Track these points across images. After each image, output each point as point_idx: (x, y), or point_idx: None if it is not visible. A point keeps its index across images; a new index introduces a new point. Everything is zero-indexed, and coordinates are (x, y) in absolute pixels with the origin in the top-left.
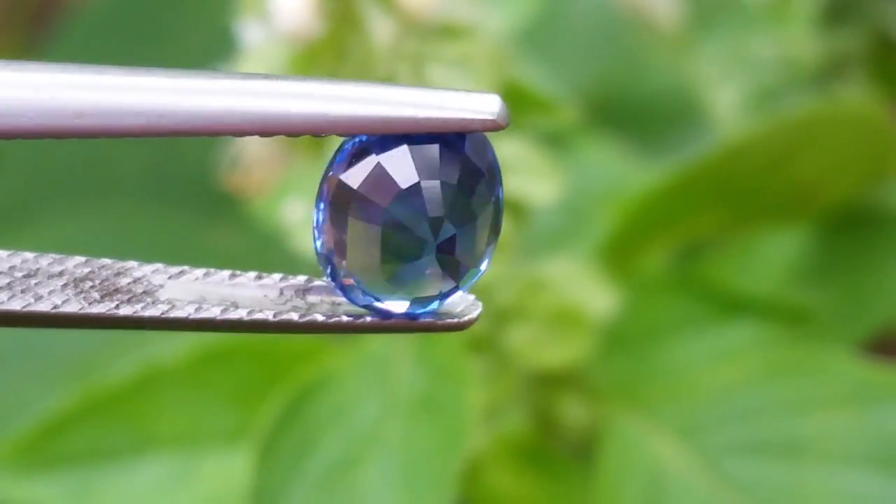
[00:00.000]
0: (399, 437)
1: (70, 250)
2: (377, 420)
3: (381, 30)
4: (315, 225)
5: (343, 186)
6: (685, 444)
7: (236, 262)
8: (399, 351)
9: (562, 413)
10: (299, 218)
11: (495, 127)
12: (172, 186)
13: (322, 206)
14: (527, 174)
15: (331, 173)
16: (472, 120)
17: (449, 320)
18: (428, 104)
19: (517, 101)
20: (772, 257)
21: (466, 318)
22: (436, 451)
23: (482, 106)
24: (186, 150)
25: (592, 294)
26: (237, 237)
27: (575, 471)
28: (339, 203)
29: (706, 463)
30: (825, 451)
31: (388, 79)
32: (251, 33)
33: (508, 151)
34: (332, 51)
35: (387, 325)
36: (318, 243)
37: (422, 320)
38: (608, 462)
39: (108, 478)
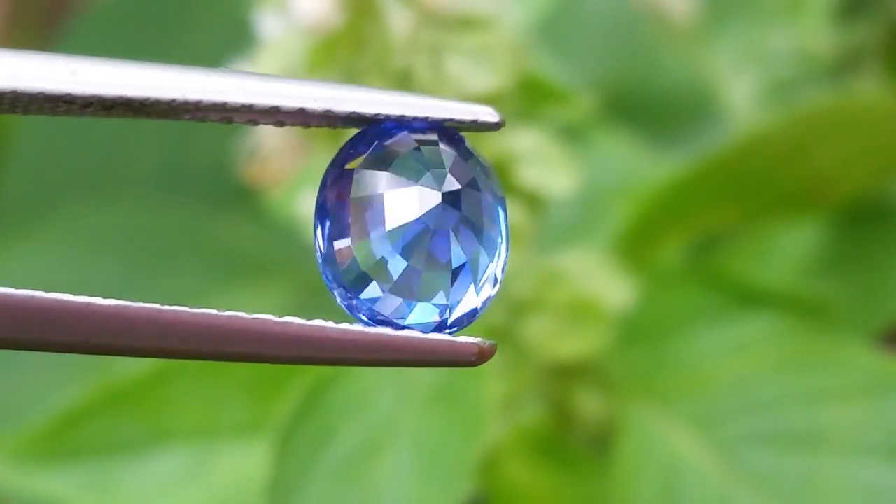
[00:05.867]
0: (416, 428)
1: (84, 243)
2: (394, 411)
3: (399, 21)
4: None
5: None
6: (701, 436)
7: (250, 254)
8: None
9: (578, 405)
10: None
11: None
12: (187, 179)
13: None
14: (543, 165)
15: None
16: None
17: (463, 340)
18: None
19: (534, 92)
20: (787, 250)
21: (482, 343)
22: (453, 443)
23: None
24: (201, 143)
25: (609, 286)
26: (252, 229)
27: (591, 462)
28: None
29: (722, 454)
30: (840, 441)
31: (406, 70)
32: (269, 25)
33: (525, 143)
34: (350, 42)
35: (399, 346)
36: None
37: (432, 337)
38: (625, 454)
39: (124, 470)
